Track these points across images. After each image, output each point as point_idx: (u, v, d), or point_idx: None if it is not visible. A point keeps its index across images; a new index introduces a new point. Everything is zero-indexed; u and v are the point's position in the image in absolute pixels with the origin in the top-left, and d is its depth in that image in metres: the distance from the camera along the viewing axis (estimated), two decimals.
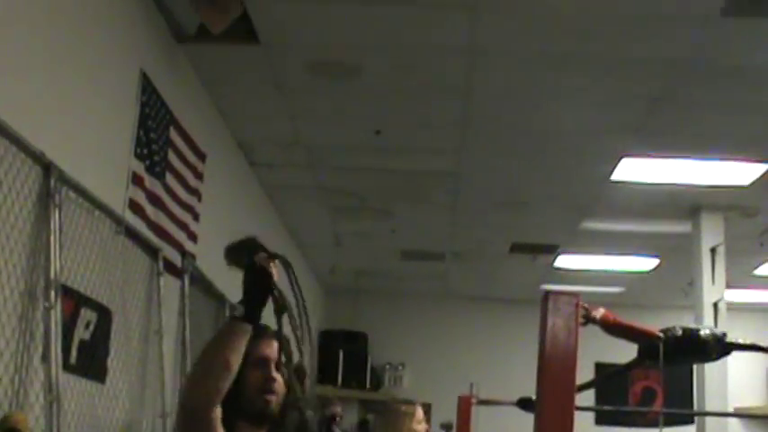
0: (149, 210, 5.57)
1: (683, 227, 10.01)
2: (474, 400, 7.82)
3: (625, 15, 5.69)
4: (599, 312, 3.07)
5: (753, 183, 8.64)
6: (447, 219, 10.46)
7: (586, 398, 11.13)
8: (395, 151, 8.37)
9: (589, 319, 3.05)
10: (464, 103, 7.10)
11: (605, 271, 12.48)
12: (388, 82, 6.80)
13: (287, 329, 2.70)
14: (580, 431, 3.09)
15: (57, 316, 3.93)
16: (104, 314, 4.79)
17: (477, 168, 8.75)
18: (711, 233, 9.66)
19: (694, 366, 9.33)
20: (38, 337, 3.91)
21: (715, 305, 9.49)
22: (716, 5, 5.39)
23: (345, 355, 13.85)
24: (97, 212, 4.66)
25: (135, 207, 5.34)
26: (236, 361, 2.60)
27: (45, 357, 3.87)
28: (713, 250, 9.59)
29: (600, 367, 13.22)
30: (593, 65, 6.39)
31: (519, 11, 5.68)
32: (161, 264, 5.76)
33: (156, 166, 5.68)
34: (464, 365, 13.49)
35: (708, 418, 9.27)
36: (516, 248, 11.52)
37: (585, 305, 3.05)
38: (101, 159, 4.89)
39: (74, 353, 4.34)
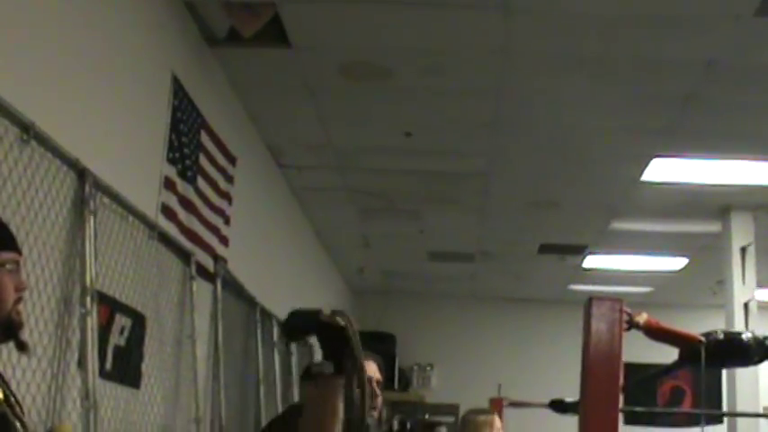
0: (182, 214, 5.58)
1: (712, 227, 9.97)
2: (505, 402, 7.83)
3: (657, 16, 5.65)
4: (642, 318, 3.04)
5: None
6: (475, 220, 10.43)
7: None
8: (425, 153, 8.34)
9: (632, 324, 3.02)
10: (494, 104, 7.07)
11: (634, 271, 12.43)
12: (418, 84, 6.78)
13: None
14: None
15: (93, 322, 3.94)
16: (138, 320, 4.79)
17: (507, 169, 8.72)
18: (741, 232, 9.60)
19: None
20: (74, 343, 3.91)
21: (746, 305, 9.43)
22: (751, 6, 5.35)
23: None
24: (131, 218, 4.66)
25: (167, 212, 5.34)
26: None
27: (81, 364, 3.87)
28: (743, 249, 9.54)
29: (628, 368, 13.22)
30: (625, 66, 6.35)
31: (550, 12, 5.66)
32: (194, 268, 5.77)
33: (188, 171, 5.69)
34: (492, 366, 13.47)
35: (739, 419, 9.22)
36: (545, 249, 11.49)
37: (629, 310, 3.03)
38: (134, 164, 4.90)
39: (109, 359, 4.34)
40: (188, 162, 5.69)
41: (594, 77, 6.54)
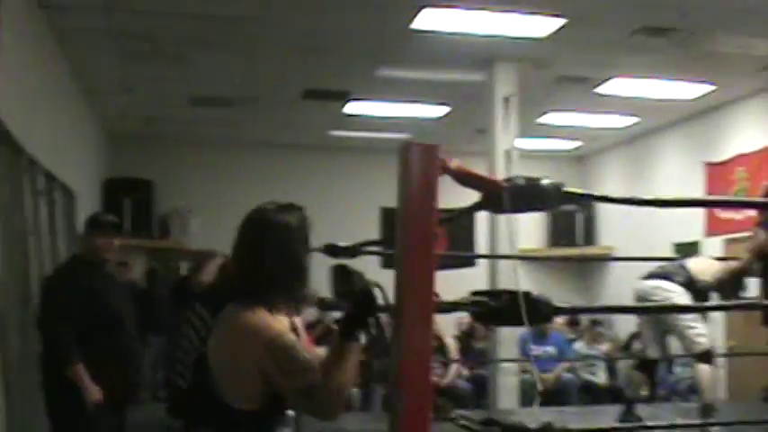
0: None
1: (476, 76, 10.23)
2: None
3: None
4: (455, 163, 3.11)
5: (548, 36, 8.90)
6: (241, 65, 10.28)
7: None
8: None
9: (445, 170, 3.09)
10: None
11: (395, 117, 12.61)
12: None
13: None
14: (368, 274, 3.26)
15: None
16: None
17: (278, 13, 8.56)
18: (504, 83, 9.95)
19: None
20: None
21: (507, 152, 9.82)
22: None
23: (132, 203, 13.50)
24: None
25: None
26: None
27: None
28: (506, 100, 9.88)
29: (387, 212, 13.58)
30: None
31: None
32: None
33: None
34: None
35: (499, 261, 9.71)
36: (309, 95, 11.48)
37: (441, 156, 3.09)
38: None
39: None
40: None
41: None
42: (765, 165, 11.13)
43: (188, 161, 14.31)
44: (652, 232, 12.90)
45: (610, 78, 10.64)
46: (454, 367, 10.96)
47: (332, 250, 7.72)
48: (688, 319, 7.35)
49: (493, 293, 3.41)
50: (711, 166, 12.33)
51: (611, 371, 12.15)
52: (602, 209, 14.84)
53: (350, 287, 3.23)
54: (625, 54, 9.61)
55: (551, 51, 9.49)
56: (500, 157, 9.81)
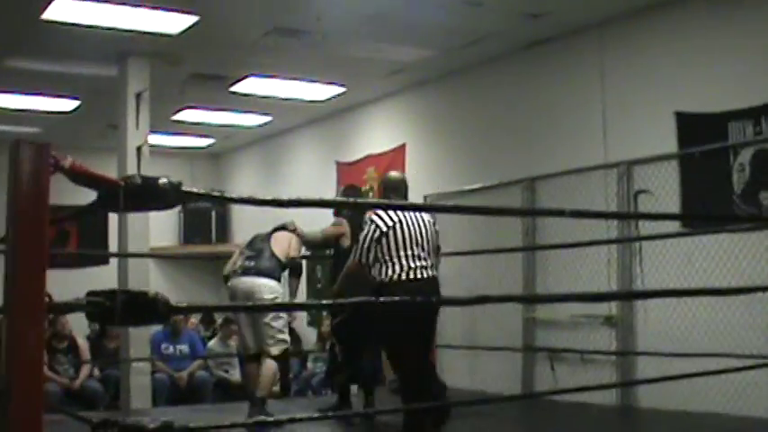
0: None
1: (108, 71, 10.03)
2: None
3: None
4: (68, 161, 3.04)
5: (180, 33, 8.88)
6: None
7: None
8: None
9: (58, 168, 3.02)
10: None
11: (24, 110, 12.10)
12: None
13: None
14: None
15: None
16: None
17: None
18: (137, 78, 9.81)
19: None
20: None
21: (139, 149, 9.70)
22: None
23: None
24: None
25: None
26: None
27: None
28: (138, 95, 9.75)
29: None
30: None
31: None
32: None
33: None
34: None
35: (129, 259, 9.58)
36: None
37: (54, 153, 3.03)
38: None
39: None
40: None
41: None
42: (394, 165, 11.64)
43: None
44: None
45: (244, 77, 10.74)
46: (86, 368, 10.65)
47: None
48: (270, 317, 7.64)
49: (109, 293, 3.37)
50: (343, 165, 12.76)
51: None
52: (236, 207, 14.98)
53: None
54: (259, 54, 9.75)
55: (184, 48, 9.46)
56: (131, 153, 9.65)
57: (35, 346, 2.89)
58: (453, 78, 10.80)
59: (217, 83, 10.93)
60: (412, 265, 6.05)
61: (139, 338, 9.74)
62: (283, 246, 7.94)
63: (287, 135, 14.16)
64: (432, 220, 6.40)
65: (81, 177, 3.21)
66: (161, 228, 13.72)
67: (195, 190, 3.68)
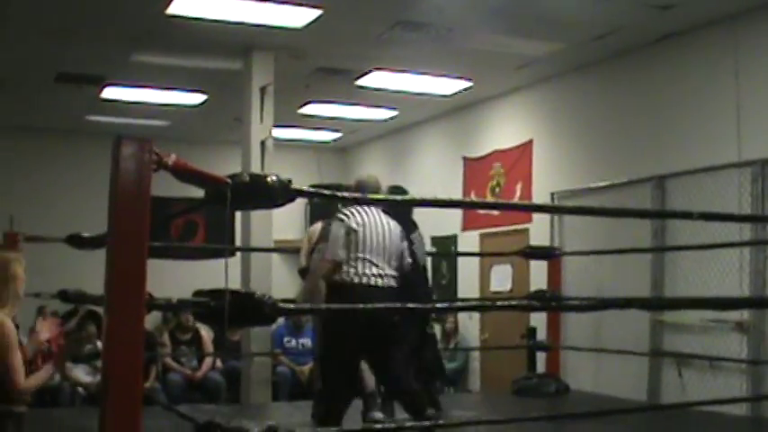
0: None
1: (233, 65, 10.09)
2: (21, 237, 7.52)
3: None
4: (171, 159, 2.98)
5: (305, 26, 8.85)
6: None
7: None
8: None
9: (161, 165, 2.96)
10: None
11: (153, 104, 12.30)
12: None
13: None
14: None
15: None
16: None
17: None
18: (261, 72, 9.84)
19: None
20: None
21: (262, 143, 9.73)
22: None
23: None
24: None
25: None
26: None
27: None
28: (263, 89, 9.78)
29: (155, 201, 13.21)
30: None
31: None
32: None
33: None
34: (3, 198, 12.86)
35: (253, 252, 9.64)
36: (62, 78, 11.03)
37: (157, 150, 2.97)
38: None
39: None
40: None
41: None
42: (521, 161, 11.47)
43: None
44: None
45: (370, 71, 10.68)
46: (208, 360, 10.77)
47: (77, 240, 7.46)
48: None
49: (216, 293, 3.31)
50: (470, 160, 12.62)
51: None
52: None
53: None
54: (383, 47, 9.67)
55: (308, 42, 9.44)
56: (256, 146, 9.69)
57: (134, 343, 2.85)
58: (581, 73, 10.55)
59: (342, 77, 10.89)
60: (367, 271, 5.92)
61: (262, 332, 9.78)
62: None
63: (413, 129, 14.07)
64: (399, 231, 6.20)
65: (185, 174, 3.16)
66: (286, 221, 13.76)
67: (304, 188, 3.61)
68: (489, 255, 11.70)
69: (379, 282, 5.97)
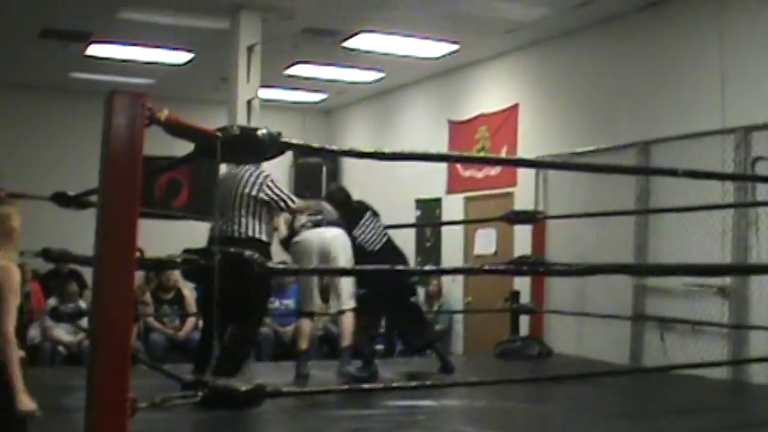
0: None
1: (221, 23, 10.02)
2: (3, 193, 7.44)
3: None
4: (163, 114, 2.97)
5: None
6: None
7: None
8: None
9: (154, 120, 2.95)
10: None
11: (138, 62, 12.21)
12: None
13: None
14: None
15: None
16: None
17: None
18: (249, 32, 9.77)
19: None
20: None
21: (249, 102, 9.68)
22: None
23: None
24: None
25: None
26: None
27: None
28: (250, 49, 9.72)
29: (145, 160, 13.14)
30: None
31: None
32: None
33: None
34: None
35: None
36: (47, 34, 10.93)
37: (150, 106, 2.96)
38: None
39: None
40: None
41: None
42: (506, 125, 11.48)
43: None
44: (395, 188, 13.11)
45: (357, 33, 10.64)
46: (191, 320, 10.75)
47: (63, 198, 7.41)
48: None
49: (205, 251, 3.32)
50: (455, 124, 12.60)
51: None
52: (347, 163, 14.94)
53: None
54: (371, 9, 9.63)
55: (296, 2, 9.40)
56: (242, 106, 9.65)
57: (124, 301, 2.85)
58: (568, 38, 10.55)
59: (329, 38, 10.85)
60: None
61: None
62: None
63: (399, 92, 14.03)
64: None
65: (177, 129, 3.15)
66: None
67: (294, 141, 3.59)
68: (473, 222, 11.75)
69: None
